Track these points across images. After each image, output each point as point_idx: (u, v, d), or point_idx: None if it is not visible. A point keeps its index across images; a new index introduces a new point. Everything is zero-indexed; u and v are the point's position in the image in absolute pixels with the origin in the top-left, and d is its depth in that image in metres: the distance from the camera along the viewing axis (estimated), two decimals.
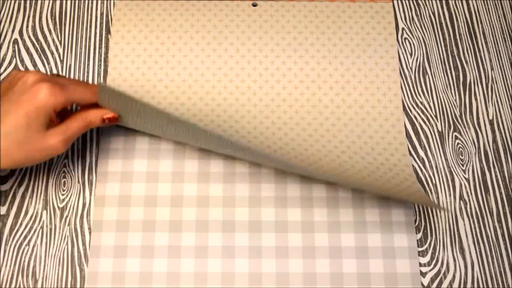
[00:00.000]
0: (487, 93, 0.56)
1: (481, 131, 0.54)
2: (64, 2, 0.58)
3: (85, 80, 0.55)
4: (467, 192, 0.52)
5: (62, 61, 0.56)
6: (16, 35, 0.57)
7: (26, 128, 0.41)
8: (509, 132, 0.54)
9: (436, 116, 0.55)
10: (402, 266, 0.48)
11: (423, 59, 0.57)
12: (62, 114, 0.47)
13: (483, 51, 0.57)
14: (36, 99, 0.41)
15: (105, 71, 0.55)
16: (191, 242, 0.48)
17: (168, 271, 0.47)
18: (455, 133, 0.54)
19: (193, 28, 0.57)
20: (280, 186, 0.50)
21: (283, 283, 0.47)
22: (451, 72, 0.56)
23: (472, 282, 0.49)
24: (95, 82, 0.55)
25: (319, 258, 0.48)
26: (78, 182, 0.51)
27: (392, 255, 0.48)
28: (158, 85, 0.54)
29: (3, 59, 0.55)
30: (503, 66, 0.57)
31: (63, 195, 0.51)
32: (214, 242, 0.48)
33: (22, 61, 0.55)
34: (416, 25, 0.58)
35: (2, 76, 0.55)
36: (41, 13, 0.58)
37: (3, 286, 0.47)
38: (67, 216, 0.50)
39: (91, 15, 0.58)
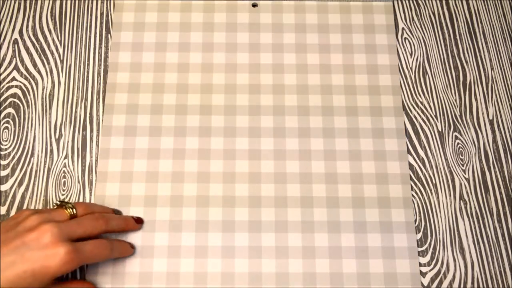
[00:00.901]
0: (487, 93, 0.56)
1: (481, 131, 0.54)
2: (64, 2, 0.58)
3: (85, 80, 0.55)
4: (467, 192, 0.52)
5: (62, 61, 0.56)
6: (16, 35, 0.57)
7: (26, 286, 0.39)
8: (509, 132, 0.54)
9: (436, 116, 0.55)
10: (402, 266, 0.48)
11: (423, 59, 0.57)
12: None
13: (483, 51, 0.57)
14: (49, 265, 0.39)
15: (105, 71, 0.55)
16: (191, 242, 0.48)
17: (168, 271, 0.47)
18: (455, 133, 0.54)
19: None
20: (280, 186, 0.50)
21: (283, 283, 0.47)
22: (451, 72, 0.56)
23: (472, 282, 0.49)
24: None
25: (319, 258, 0.48)
26: (78, 182, 0.51)
27: (392, 255, 0.48)
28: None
29: (3, 59, 0.55)
30: (503, 66, 0.57)
31: (63, 195, 0.51)
32: (214, 242, 0.48)
33: (22, 61, 0.55)
34: (416, 25, 0.58)
35: (2, 76, 0.55)
36: (41, 13, 0.58)
37: None
38: (63, 200, 0.50)
39: (91, 15, 0.58)
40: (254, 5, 0.58)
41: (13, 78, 0.55)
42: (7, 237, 0.40)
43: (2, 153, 0.52)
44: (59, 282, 0.44)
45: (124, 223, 0.47)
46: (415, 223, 0.50)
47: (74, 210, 0.44)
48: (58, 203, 0.45)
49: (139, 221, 0.48)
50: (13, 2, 0.58)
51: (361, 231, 0.49)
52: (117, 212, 0.49)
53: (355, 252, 0.48)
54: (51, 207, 0.50)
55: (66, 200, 0.50)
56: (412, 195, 0.51)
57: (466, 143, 0.54)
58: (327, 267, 0.48)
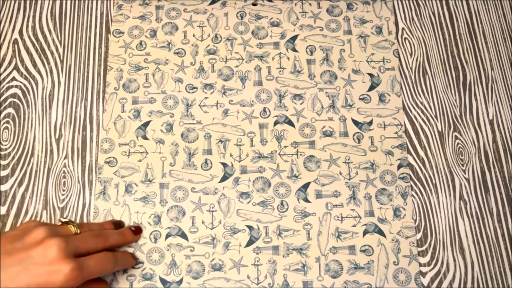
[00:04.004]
0: (487, 93, 0.56)
1: (481, 131, 0.54)
2: (64, 2, 0.58)
3: (85, 80, 0.55)
4: (467, 192, 0.52)
5: (62, 61, 0.56)
6: (16, 35, 0.57)
7: None
8: (509, 132, 0.54)
9: (436, 116, 0.55)
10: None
11: (423, 59, 0.57)
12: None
13: (483, 51, 0.57)
14: (53, 281, 0.38)
15: (105, 71, 0.55)
16: None
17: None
18: (455, 133, 0.54)
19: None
20: None
21: None
22: (451, 72, 0.56)
23: (472, 282, 0.49)
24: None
25: None
26: (78, 182, 0.51)
27: None
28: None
29: (3, 59, 0.55)
30: (503, 66, 0.57)
31: (63, 195, 0.51)
32: None
33: (22, 61, 0.55)
34: (416, 25, 0.58)
35: (2, 76, 0.55)
36: (41, 13, 0.58)
37: None
38: (67, 216, 0.50)
39: (91, 15, 0.58)
40: (254, 4, 0.58)
41: (13, 78, 0.55)
42: (13, 248, 0.39)
43: (2, 153, 0.52)
44: None
45: (122, 238, 0.47)
46: (415, 223, 0.50)
47: (78, 229, 0.44)
48: (63, 220, 0.44)
49: (137, 232, 0.48)
50: (13, 2, 0.58)
51: None
52: (119, 223, 0.49)
53: None
54: (51, 209, 0.50)
55: (68, 218, 0.50)
56: (412, 195, 0.51)
57: (466, 143, 0.54)
58: None
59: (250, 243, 0.49)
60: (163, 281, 0.48)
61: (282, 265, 0.49)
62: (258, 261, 0.49)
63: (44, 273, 0.38)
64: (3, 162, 0.52)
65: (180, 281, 0.48)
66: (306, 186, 0.51)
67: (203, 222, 0.50)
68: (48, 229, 0.41)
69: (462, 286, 0.48)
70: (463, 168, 0.53)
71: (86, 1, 0.58)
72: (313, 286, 0.48)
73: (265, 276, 0.48)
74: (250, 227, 0.50)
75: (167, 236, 0.49)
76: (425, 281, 0.48)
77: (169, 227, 0.50)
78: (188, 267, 0.48)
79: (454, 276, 0.49)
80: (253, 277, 0.48)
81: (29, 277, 0.38)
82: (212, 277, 0.48)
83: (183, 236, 0.49)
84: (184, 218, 0.50)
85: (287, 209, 0.50)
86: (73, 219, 0.50)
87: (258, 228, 0.50)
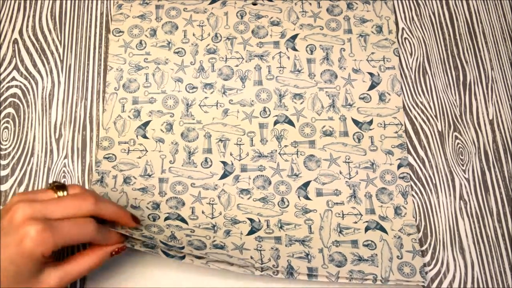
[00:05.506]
0: (487, 93, 0.56)
1: (481, 131, 0.54)
2: (64, 2, 0.58)
3: (85, 80, 0.55)
4: (467, 192, 0.52)
5: (62, 61, 0.56)
6: (16, 35, 0.57)
7: (14, 276, 0.35)
8: (509, 132, 0.54)
9: (436, 116, 0.55)
10: None
11: (423, 59, 0.57)
12: None
13: (483, 51, 0.57)
14: (23, 248, 0.35)
15: (105, 71, 0.55)
16: None
17: None
18: (455, 133, 0.54)
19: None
20: None
21: None
22: (451, 72, 0.56)
23: (472, 282, 0.49)
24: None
25: None
26: (78, 182, 0.51)
27: None
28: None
29: (3, 59, 0.55)
30: (503, 66, 0.57)
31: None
32: None
33: (22, 61, 0.55)
34: (416, 25, 0.58)
35: (2, 76, 0.55)
36: (41, 13, 0.58)
37: None
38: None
39: (91, 15, 0.58)
40: (254, 4, 0.58)
41: (13, 78, 0.55)
42: None
43: (2, 153, 0.52)
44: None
45: (119, 213, 0.41)
46: (416, 221, 0.50)
47: (65, 192, 0.39)
48: (50, 183, 0.40)
49: (136, 220, 0.45)
50: (13, 2, 0.58)
51: None
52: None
53: None
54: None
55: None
56: (412, 195, 0.51)
57: (466, 143, 0.54)
58: None
59: (251, 232, 0.49)
60: (164, 244, 0.45)
61: (285, 253, 0.48)
62: (260, 247, 0.48)
63: (12, 242, 0.35)
64: (3, 162, 0.52)
65: (182, 248, 0.45)
66: (306, 184, 0.51)
67: (203, 212, 0.49)
68: (21, 195, 0.37)
69: (462, 286, 0.48)
70: (463, 168, 0.53)
71: (86, 1, 0.58)
72: (318, 273, 0.47)
73: (269, 259, 0.47)
74: (251, 220, 0.49)
75: (166, 219, 0.49)
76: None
77: (168, 213, 0.49)
78: (189, 241, 0.47)
79: (454, 276, 0.49)
80: (256, 258, 0.47)
81: (3, 252, 0.35)
82: (214, 252, 0.47)
83: (183, 221, 0.49)
84: (184, 207, 0.50)
85: (287, 205, 0.50)
86: None
87: (259, 221, 0.49)
